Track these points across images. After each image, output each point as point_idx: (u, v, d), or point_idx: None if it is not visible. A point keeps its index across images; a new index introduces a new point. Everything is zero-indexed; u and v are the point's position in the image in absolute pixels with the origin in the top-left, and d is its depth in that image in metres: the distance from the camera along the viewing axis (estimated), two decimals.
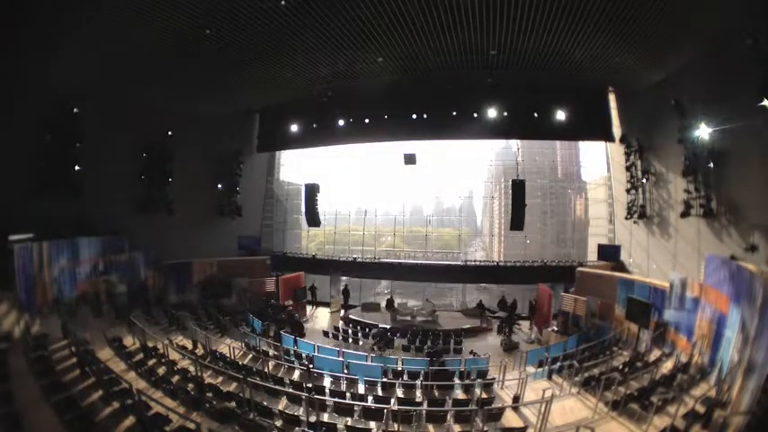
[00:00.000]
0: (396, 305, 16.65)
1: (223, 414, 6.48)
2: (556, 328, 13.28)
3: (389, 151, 18.77)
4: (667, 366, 8.52)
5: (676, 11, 8.50)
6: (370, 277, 19.45)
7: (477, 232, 25.40)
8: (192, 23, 9.47)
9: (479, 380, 8.90)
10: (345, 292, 17.79)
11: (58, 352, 8.24)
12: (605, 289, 12.29)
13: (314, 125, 17.36)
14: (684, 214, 11.03)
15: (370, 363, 10.05)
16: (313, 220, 16.87)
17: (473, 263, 18.48)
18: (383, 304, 17.33)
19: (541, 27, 10.01)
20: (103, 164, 12.60)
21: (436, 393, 8.45)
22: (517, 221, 14.48)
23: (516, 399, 7.79)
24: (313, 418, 6.49)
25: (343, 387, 8.64)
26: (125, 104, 12.81)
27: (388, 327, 14.07)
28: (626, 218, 14.81)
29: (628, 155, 14.45)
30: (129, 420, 6.02)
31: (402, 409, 6.74)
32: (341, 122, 16.71)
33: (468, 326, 14.84)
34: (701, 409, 6.16)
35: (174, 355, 9.23)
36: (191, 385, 7.68)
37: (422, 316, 15.53)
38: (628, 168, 14.44)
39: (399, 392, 8.41)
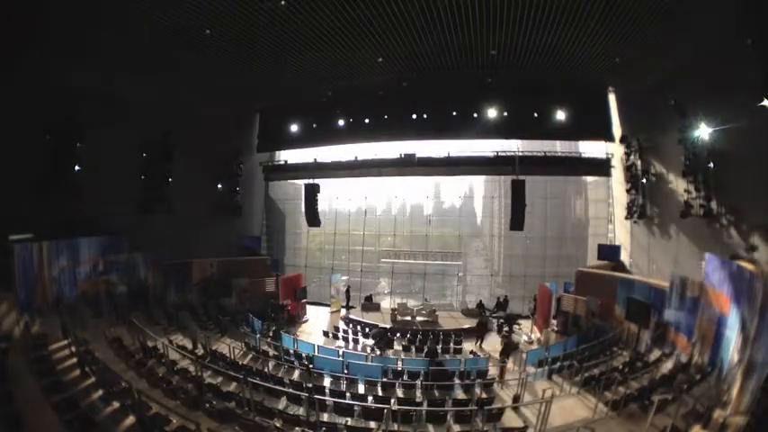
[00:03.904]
0: (397, 305, 16.67)
1: (223, 414, 6.48)
2: (556, 328, 13.29)
3: (390, 151, 18.66)
4: (667, 366, 8.52)
5: (676, 11, 8.50)
6: (372, 176, 18.82)
7: (478, 232, 25.36)
8: (192, 23, 9.48)
9: (479, 380, 8.91)
10: (347, 293, 17.82)
11: (57, 352, 8.23)
12: (605, 289, 12.30)
13: (314, 125, 17.36)
14: (684, 214, 11.02)
15: (370, 363, 10.05)
16: (313, 220, 16.88)
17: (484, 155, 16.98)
18: (383, 303, 17.36)
19: (542, 27, 10.01)
20: (103, 164, 12.59)
21: (436, 393, 8.46)
22: (517, 221, 14.46)
23: (516, 399, 7.80)
24: (313, 418, 6.50)
25: (343, 387, 8.65)
26: (125, 104, 12.81)
27: (387, 327, 14.09)
28: (626, 218, 14.81)
29: (628, 155, 14.44)
30: (130, 420, 6.03)
31: (402, 409, 6.74)
32: (341, 122, 16.71)
33: (468, 326, 14.84)
34: (700, 409, 6.17)
35: (174, 355, 9.23)
36: (191, 385, 7.68)
37: (422, 316, 15.53)
38: (628, 168, 14.44)
39: (399, 392, 8.42)
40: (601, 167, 16.41)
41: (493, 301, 16.66)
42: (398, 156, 17.12)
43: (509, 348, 10.88)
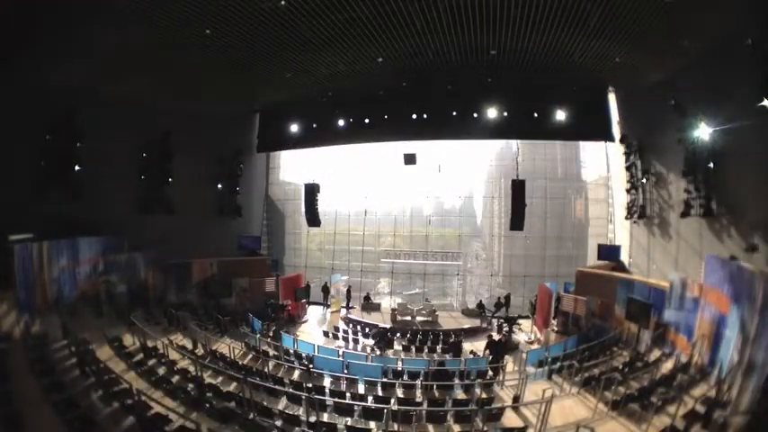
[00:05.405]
0: (397, 305, 16.67)
1: (223, 414, 6.48)
2: (556, 328, 13.29)
3: (390, 151, 18.66)
4: (667, 366, 8.51)
5: (676, 11, 8.50)
6: (371, 141, 17.95)
7: (478, 232, 25.35)
8: (192, 23, 9.48)
9: (479, 380, 8.91)
10: (347, 293, 17.82)
11: (58, 352, 8.24)
12: (605, 289, 12.29)
13: (314, 125, 17.33)
14: (684, 214, 11.02)
15: (370, 363, 10.05)
16: (313, 219, 16.88)
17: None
18: (383, 303, 17.36)
19: (541, 27, 10.02)
20: (103, 164, 12.60)
21: (436, 393, 8.46)
22: (517, 221, 14.46)
23: (516, 399, 7.79)
24: (313, 418, 6.50)
25: (343, 387, 8.64)
26: (125, 104, 12.82)
27: (388, 327, 14.09)
28: (626, 218, 14.81)
29: (628, 155, 14.44)
30: (129, 420, 6.03)
31: (402, 409, 6.74)
32: (341, 122, 16.69)
33: (468, 326, 14.85)
34: (700, 409, 6.17)
35: (174, 355, 9.23)
36: (191, 385, 7.68)
37: (422, 316, 15.53)
38: (628, 168, 14.43)
39: (399, 392, 8.41)
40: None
41: (493, 301, 16.66)
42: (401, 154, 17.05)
43: (499, 347, 10.63)
